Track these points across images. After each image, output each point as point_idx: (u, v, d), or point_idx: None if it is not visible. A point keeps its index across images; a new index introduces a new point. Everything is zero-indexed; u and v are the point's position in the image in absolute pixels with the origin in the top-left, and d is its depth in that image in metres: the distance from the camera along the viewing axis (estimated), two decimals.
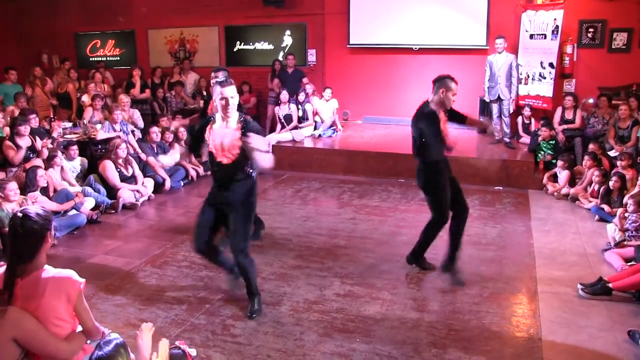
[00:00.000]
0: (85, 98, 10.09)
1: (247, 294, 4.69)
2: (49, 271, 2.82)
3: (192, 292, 5.08)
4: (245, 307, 4.67)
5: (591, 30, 10.23)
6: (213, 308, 4.76)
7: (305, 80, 11.19)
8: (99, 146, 8.68)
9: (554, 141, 8.85)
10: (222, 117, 4.39)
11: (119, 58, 14.13)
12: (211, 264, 5.04)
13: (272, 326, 4.47)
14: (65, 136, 8.72)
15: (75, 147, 7.96)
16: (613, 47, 10.16)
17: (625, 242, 5.85)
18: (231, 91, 4.31)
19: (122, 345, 2.59)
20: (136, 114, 9.71)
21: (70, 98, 10.91)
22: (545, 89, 10.06)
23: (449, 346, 4.19)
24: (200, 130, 4.55)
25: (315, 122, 10.84)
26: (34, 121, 7.93)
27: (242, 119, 4.46)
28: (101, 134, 8.67)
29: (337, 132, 10.91)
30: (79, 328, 2.93)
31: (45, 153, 7.35)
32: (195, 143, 4.73)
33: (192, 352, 2.71)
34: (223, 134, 4.38)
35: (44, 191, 6.67)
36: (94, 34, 14.27)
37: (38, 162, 7.19)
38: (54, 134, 8.42)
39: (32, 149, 7.38)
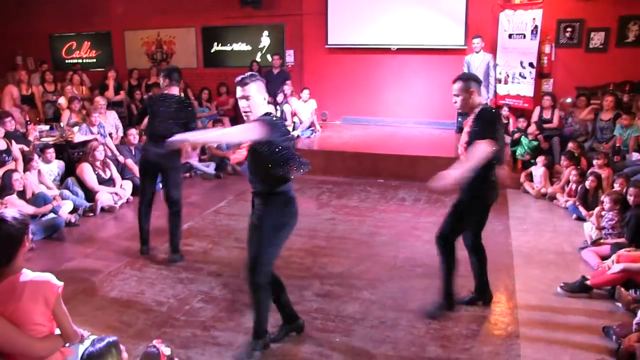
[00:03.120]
0: (62, 100, 9.99)
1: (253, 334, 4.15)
2: (26, 275, 2.79)
3: (172, 294, 5.06)
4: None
5: (569, 29, 10.35)
6: (193, 309, 4.74)
7: (289, 81, 11.19)
8: (77, 149, 8.59)
9: (537, 142, 8.89)
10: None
11: (95, 60, 14.02)
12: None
13: (251, 327, 4.46)
14: (42, 139, 8.62)
15: (52, 150, 7.86)
16: (590, 46, 10.31)
17: (601, 240, 5.92)
18: (249, 90, 3.73)
19: (114, 344, 2.63)
20: (113, 116, 9.63)
21: (34, 101, 10.72)
22: (526, 88, 10.17)
23: (427, 345, 4.21)
24: None
25: (294, 122, 10.85)
26: (10, 124, 7.83)
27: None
28: (78, 136, 8.60)
29: (315, 132, 10.94)
30: (57, 332, 2.91)
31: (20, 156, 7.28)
32: None
33: (167, 351, 2.72)
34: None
35: (21, 194, 6.60)
36: (69, 36, 14.15)
37: (13, 165, 7.12)
38: (30, 137, 8.33)
39: (7, 152, 7.28)
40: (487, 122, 4.19)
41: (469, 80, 4.37)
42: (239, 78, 3.77)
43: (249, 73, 3.83)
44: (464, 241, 4.64)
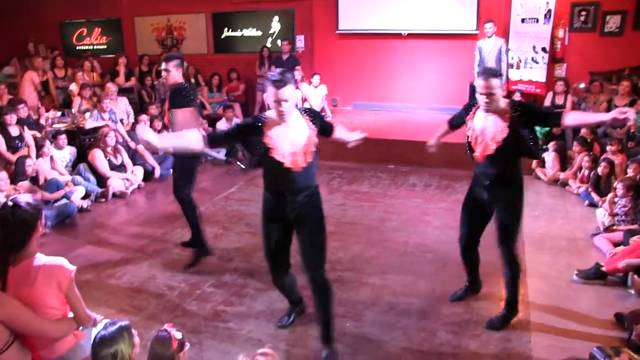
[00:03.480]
0: (74, 87, 10.01)
1: (322, 338, 3.94)
2: (40, 259, 2.83)
3: (183, 279, 5.09)
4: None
5: (583, 13, 10.17)
6: (204, 294, 4.77)
7: (298, 67, 11.15)
8: (88, 135, 8.62)
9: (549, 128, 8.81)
10: (278, 122, 3.59)
11: (105, 46, 14.00)
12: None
13: (263, 311, 4.49)
14: (54, 125, 8.67)
15: (63, 136, 7.93)
16: (605, 30, 10.08)
17: (614, 227, 5.88)
18: (286, 93, 3.47)
19: (126, 329, 2.64)
20: (124, 102, 9.66)
21: (48, 87, 10.77)
22: (539, 74, 10.05)
23: (438, 330, 4.23)
24: (250, 132, 3.69)
25: None
26: (23, 111, 7.87)
27: (310, 114, 3.78)
28: (90, 122, 8.62)
29: (326, 118, 10.87)
30: (70, 315, 2.94)
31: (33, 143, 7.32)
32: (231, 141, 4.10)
33: (178, 335, 2.73)
34: (291, 135, 3.62)
35: (34, 181, 6.65)
36: (80, 22, 14.11)
37: (26, 152, 7.17)
38: (42, 121, 8.37)
39: (20, 138, 7.32)
40: None
41: (498, 75, 3.90)
42: (274, 77, 3.45)
43: (280, 70, 3.54)
44: (474, 240, 4.51)
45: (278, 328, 4.24)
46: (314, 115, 3.78)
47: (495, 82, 3.80)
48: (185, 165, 5.37)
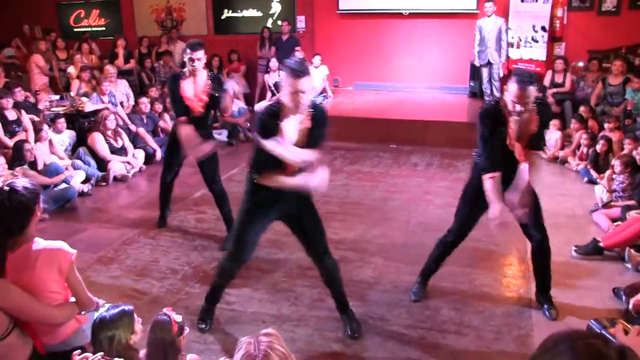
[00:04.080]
0: (72, 70, 9.98)
1: (340, 309, 4.04)
2: (39, 243, 2.81)
3: (186, 261, 5.11)
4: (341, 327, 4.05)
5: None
6: (207, 276, 4.78)
7: (298, 48, 11.10)
8: (88, 119, 8.60)
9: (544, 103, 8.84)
10: (292, 112, 3.45)
11: (104, 28, 13.88)
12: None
13: (266, 292, 4.52)
14: (52, 109, 8.63)
15: (62, 120, 7.89)
16: (603, 9, 10.10)
17: (612, 203, 5.92)
18: (305, 84, 3.34)
19: (128, 314, 2.63)
20: (123, 85, 9.63)
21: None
22: (538, 52, 10.05)
23: (441, 307, 4.26)
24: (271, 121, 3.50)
25: None
26: (20, 94, 7.85)
27: (313, 107, 3.59)
28: (89, 105, 8.60)
29: (327, 98, 10.89)
30: (72, 299, 2.94)
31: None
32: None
33: (178, 318, 2.73)
34: (295, 129, 3.52)
35: (32, 165, 6.62)
36: (77, 4, 13.96)
37: (24, 136, 7.14)
38: (40, 106, 8.35)
39: (17, 122, 7.30)
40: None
41: (533, 82, 3.64)
42: (292, 64, 3.33)
43: (299, 58, 3.47)
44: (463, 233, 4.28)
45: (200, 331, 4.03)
46: (318, 116, 3.57)
47: (531, 90, 3.58)
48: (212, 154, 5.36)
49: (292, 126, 3.49)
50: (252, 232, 3.78)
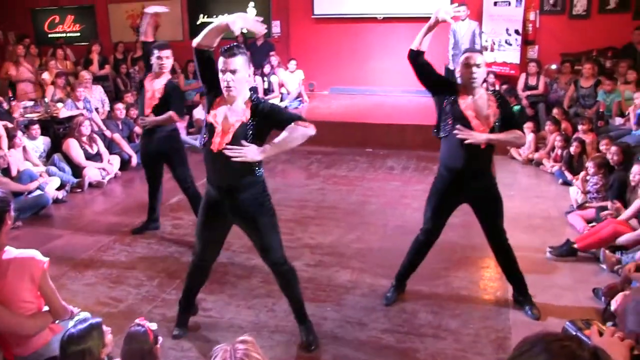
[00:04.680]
0: (47, 76, 9.87)
1: (298, 319, 3.92)
2: (10, 252, 2.77)
3: (162, 268, 5.07)
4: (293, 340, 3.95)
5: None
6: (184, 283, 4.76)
7: (272, 52, 11.09)
8: (63, 125, 8.50)
9: (522, 108, 8.94)
10: (225, 97, 3.42)
11: (79, 34, 13.77)
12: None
13: (243, 298, 4.50)
14: (27, 115, 8.52)
15: (36, 126, 7.77)
16: (574, 13, 10.30)
17: (586, 204, 6.00)
18: (235, 63, 3.34)
19: (96, 327, 2.54)
20: (99, 90, 9.54)
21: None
22: (512, 55, 10.19)
23: (418, 311, 4.27)
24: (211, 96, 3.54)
25: (281, 94, 10.79)
26: None
27: (253, 97, 3.50)
28: (64, 111, 8.51)
29: (303, 103, 10.90)
30: (45, 309, 2.90)
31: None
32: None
33: (153, 326, 2.67)
34: (228, 114, 3.43)
35: (6, 172, 6.53)
36: (52, 10, 13.84)
37: None
38: (15, 114, 8.23)
39: None
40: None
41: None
42: (224, 48, 3.36)
43: (234, 44, 3.48)
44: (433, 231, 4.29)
45: (174, 338, 3.97)
46: (257, 106, 3.45)
47: (480, 57, 3.90)
48: (181, 150, 5.62)
49: (224, 109, 3.43)
50: (205, 231, 3.73)
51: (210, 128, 3.41)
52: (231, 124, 3.38)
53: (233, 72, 3.31)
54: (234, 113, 3.40)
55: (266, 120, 3.42)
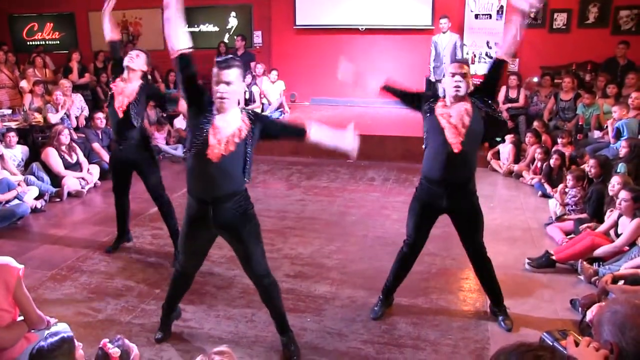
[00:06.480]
0: (24, 84, 9.78)
1: (279, 330, 3.90)
2: None
3: (142, 278, 5.03)
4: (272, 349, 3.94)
5: (533, 10, 10.41)
6: (164, 293, 4.67)
7: (253, 63, 11.10)
8: (43, 133, 8.43)
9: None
10: (218, 109, 3.39)
11: (58, 42, 13.68)
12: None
13: (223, 309, 4.48)
14: (4, 124, 8.43)
15: (12, 133, 7.68)
16: (554, 27, 10.48)
17: (565, 217, 6.07)
18: (230, 75, 3.31)
19: (67, 341, 2.46)
20: (78, 99, 9.48)
21: None
22: None
23: (398, 322, 4.27)
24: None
25: (263, 104, 10.79)
26: None
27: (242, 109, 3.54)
28: (52, 117, 8.48)
29: (284, 113, 10.91)
30: (20, 318, 2.86)
31: None
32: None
33: (116, 352, 2.48)
34: (223, 124, 3.40)
35: None
36: (30, 17, 13.74)
37: None
38: None
39: None
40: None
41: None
42: (221, 59, 3.36)
43: (229, 56, 3.45)
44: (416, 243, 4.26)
45: (156, 341, 4.00)
46: (255, 115, 3.55)
47: (465, 68, 4.02)
48: (152, 159, 5.50)
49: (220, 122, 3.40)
50: (189, 243, 3.71)
51: (205, 138, 3.35)
52: (230, 134, 3.37)
53: (227, 83, 3.29)
54: (231, 123, 3.39)
55: (264, 129, 3.55)
